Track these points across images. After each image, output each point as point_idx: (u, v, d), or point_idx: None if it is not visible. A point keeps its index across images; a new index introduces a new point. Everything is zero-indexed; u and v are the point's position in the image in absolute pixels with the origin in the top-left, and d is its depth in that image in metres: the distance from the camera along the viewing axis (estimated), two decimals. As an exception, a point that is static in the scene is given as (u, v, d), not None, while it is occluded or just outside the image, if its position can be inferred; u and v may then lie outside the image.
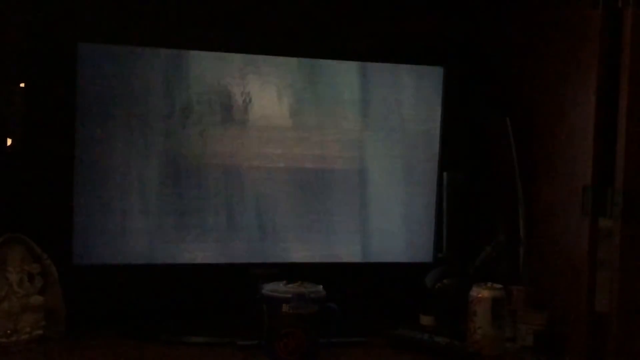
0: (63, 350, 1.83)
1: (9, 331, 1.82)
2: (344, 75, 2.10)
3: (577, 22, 1.89)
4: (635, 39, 1.75)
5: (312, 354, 1.80)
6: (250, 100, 2.04)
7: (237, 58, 2.03)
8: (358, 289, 2.17)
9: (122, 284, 2.05)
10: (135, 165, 1.97)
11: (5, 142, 2.00)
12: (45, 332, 1.86)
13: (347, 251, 2.12)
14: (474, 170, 2.22)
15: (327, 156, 2.10)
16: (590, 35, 1.83)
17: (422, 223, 2.16)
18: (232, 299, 2.01)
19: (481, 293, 1.90)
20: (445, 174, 2.15)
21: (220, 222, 2.03)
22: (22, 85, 2.01)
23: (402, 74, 2.14)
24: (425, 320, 2.06)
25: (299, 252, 2.09)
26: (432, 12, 2.27)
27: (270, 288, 1.81)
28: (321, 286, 1.84)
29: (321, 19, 2.19)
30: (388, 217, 2.15)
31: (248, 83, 2.04)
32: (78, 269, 1.94)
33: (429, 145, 2.15)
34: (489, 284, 1.92)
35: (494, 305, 1.89)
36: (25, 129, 2.00)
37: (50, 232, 1.93)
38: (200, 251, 2.02)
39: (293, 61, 2.06)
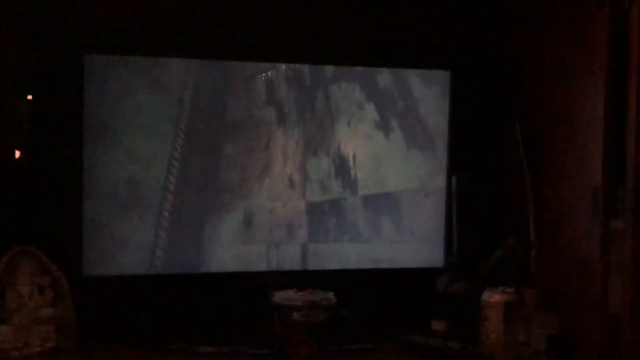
0: (74, 362, 1.83)
1: (20, 344, 1.82)
2: (352, 80, 2.10)
3: (584, 23, 1.88)
4: (643, 37, 1.74)
5: (324, 362, 1.79)
6: (258, 109, 2.04)
7: (245, 66, 2.04)
8: (369, 295, 2.15)
9: (132, 295, 2.04)
10: (144, 175, 1.97)
11: (14, 154, 2.00)
12: (56, 345, 1.86)
13: (358, 257, 2.12)
14: (483, 173, 2.21)
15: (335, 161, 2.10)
16: (598, 35, 1.83)
17: (432, 227, 2.16)
18: (243, 308, 2.00)
19: (493, 297, 1.89)
20: (454, 177, 2.15)
21: (230, 231, 2.03)
22: (29, 97, 2.01)
23: (409, 78, 2.13)
24: (437, 325, 2.05)
25: (310, 260, 2.09)
26: (438, 15, 2.26)
27: (281, 296, 1.80)
28: (332, 293, 1.84)
29: (327, 25, 2.19)
30: (398, 222, 2.14)
31: (256, 91, 2.04)
32: (88, 280, 1.94)
33: (438, 149, 2.15)
34: (501, 288, 1.91)
35: (507, 309, 1.88)
36: (33, 141, 2.01)
37: (60, 243, 1.93)
38: (210, 260, 2.02)
39: (300, 67, 2.07)
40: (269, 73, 2.04)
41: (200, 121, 2.01)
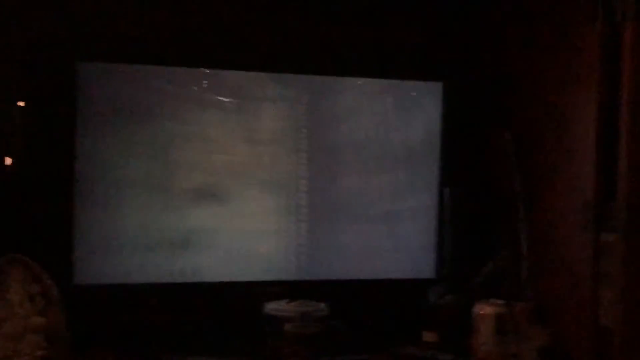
0: (65, 371, 1.82)
1: (10, 353, 1.81)
2: (345, 91, 2.11)
3: (577, 37, 1.89)
4: (635, 52, 1.75)
5: (315, 373, 1.79)
6: (252, 118, 2.04)
7: (238, 76, 2.04)
8: (360, 306, 2.15)
9: (123, 304, 2.03)
10: (135, 184, 1.96)
11: (5, 161, 1.99)
12: (47, 353, 1.84)
13: (350, 268, 2.12)
14: (475, 186, 2.22)
15: (328, 173, 2.10)
16: (590, 49, 1.84)
17: (424, 239, 2.16)
18: (235, 318, 1.99)
19: (484, 309, 1.90)
20: (446, 189, 2.15)
21: (221, 240, 2.02)
22: (21, 104, 2.00)
23: (402, 89, 2.14)
24: (428, 336, 2.05)
25: (302, 270, 2.08)
26: (431, 28, 2.27)
27: (273, 307, 1.80)
28: (324, 304, 1.84)
29: (321, 37, 2.20)
30: (390, 234, 2.14)
31: (248, 100, 2.04)
32: (79, 289, 1.93)
33: (430, 161, 2.15)
34: (492, 300, 1.92)
35: (498, 321, 1.88)
36: (25, 148, 2.00)
37: (50, 252, 1.92)
38: (202, 269, 2.01)
39: (295, 77, 2.07)
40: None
41: (195, 130, 2.01)
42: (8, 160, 2.00)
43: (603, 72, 1.81)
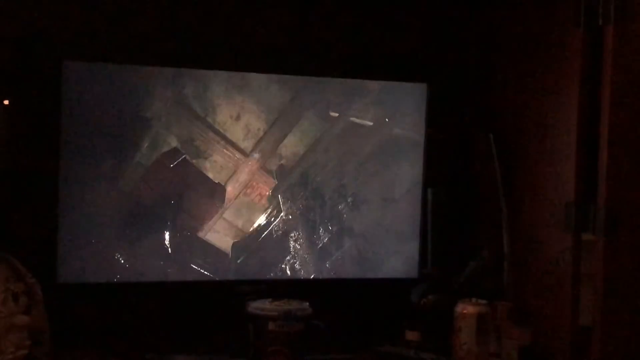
0: (48, 369, 1.82)
1: (-8, 351, 1.80)
2: (327, 91, 2.11)
3: (560, 40, 1.91)
4: (616, 56, 1.77)
5: (298, 372, 1.80)
6: (238, 120, 2.05)
7: (224, 76, 2.04)
8: (344, 305, 2.16)
9: (107, 303, 2.03)
10: (120, 183, 1.96)
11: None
12: (30, 352, 1.84)
13: (333, 267, 2.13)
14: (458, 187, 2.23)
15: (311, 174, 2.11)
16: (572, 52, 1.86)
17: (407, 239, 2.17)
18: (218, 317, 2.00)
19: (466, 309, 1.91)
20: (429, 190, 2.16)
21: (205, 239, 2.03)
22: (6, 102, 2.00)
23: (386, 90, 2.15)
24: (411, 335, 2.07)
25: (285, 269, 2.09)
26: (415, 29, 2.28)
27: (256, 306, 1.81)
28: (307, 303, 1.84)
29: (305, 36, 2.20)
30: (373, 233, 2.15)
31: (236, 101, 2.04)
32: (63, 288, 1.92)
33: (413, 161, 2.16)
34: (474, 300, 1.93)
35: (479, 320, 1.90)
36: (10, 146, 1.99)
37: (34, 250, 1.91)
38: (185, 268, 2.02)
39: (276, 78, 2.07)
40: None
41: (181, 131, 2.01)
42: (-8, 158, 2.00)
43: (585, 76, 1.83)
